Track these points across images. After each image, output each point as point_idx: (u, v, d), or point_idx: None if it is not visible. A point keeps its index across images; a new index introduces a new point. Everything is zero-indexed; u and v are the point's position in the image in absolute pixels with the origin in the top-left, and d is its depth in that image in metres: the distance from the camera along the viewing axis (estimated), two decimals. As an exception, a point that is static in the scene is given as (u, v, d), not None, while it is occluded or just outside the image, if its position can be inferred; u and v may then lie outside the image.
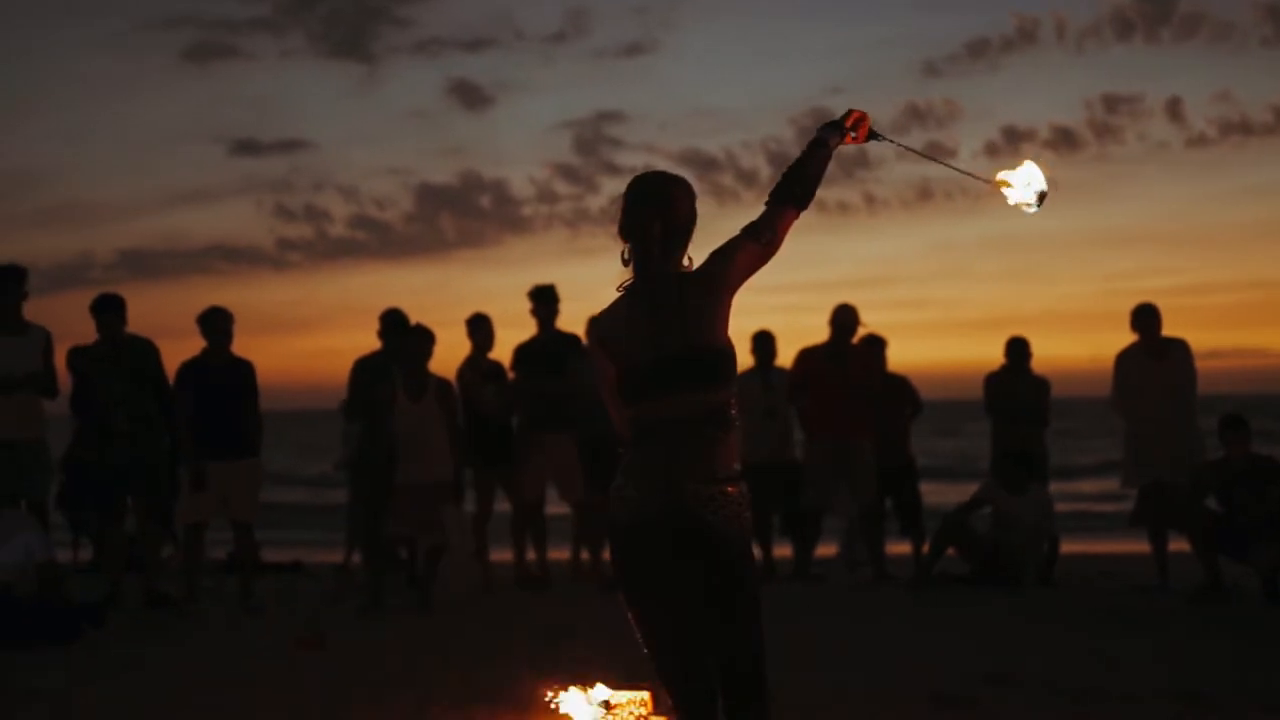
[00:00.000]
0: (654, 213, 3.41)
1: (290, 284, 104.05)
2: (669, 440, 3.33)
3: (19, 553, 7.58)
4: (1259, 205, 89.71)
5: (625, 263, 3.47)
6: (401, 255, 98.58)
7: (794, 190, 3.45)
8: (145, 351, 8.69)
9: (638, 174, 3.53)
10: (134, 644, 7.32)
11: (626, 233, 3.45)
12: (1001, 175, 3.71)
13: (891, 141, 3.65)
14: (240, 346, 8.81)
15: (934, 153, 3.81)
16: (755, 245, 3.41)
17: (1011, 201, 3.68)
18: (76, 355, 8.55)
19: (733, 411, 3.40)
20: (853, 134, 3.57)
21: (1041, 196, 3.68)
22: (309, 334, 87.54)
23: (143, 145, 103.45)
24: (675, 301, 3.35)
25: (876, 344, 10.30)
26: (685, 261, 3.46)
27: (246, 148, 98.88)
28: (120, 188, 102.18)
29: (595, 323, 3.51)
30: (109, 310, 8.56)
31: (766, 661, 3.42)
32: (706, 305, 3.36)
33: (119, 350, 8.56)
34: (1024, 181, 3.70)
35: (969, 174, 3.71)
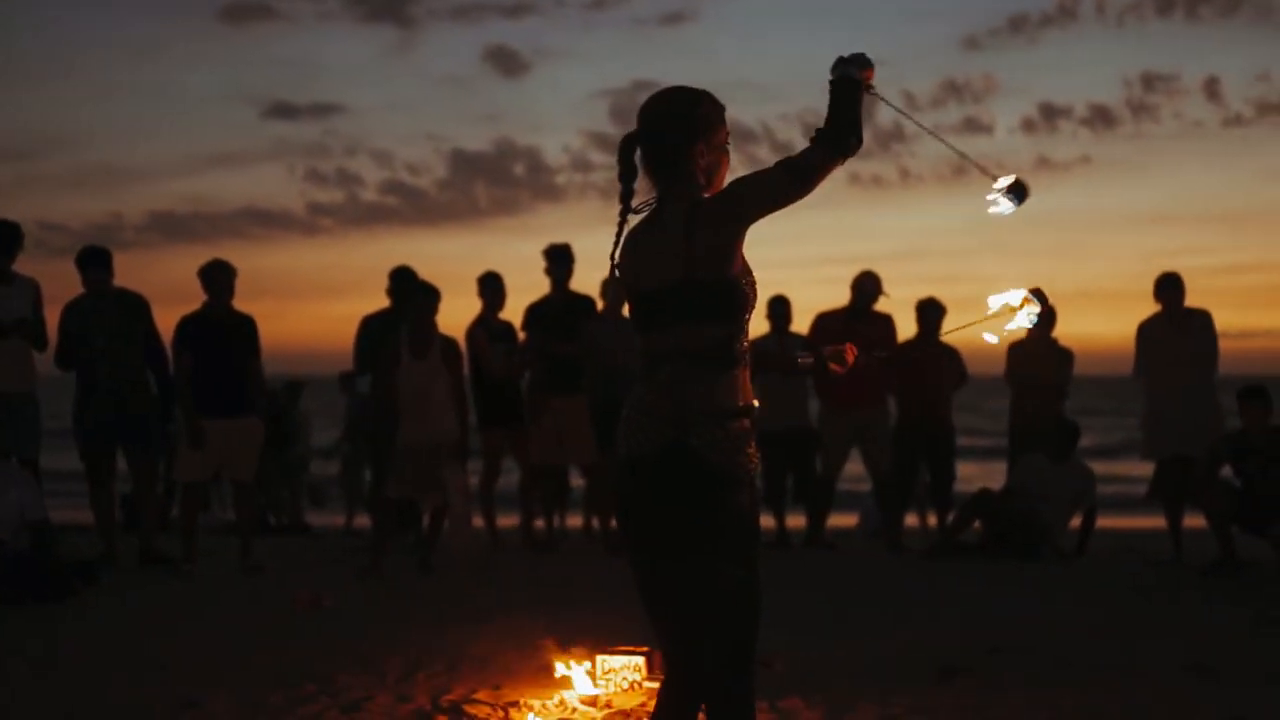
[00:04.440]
0: (665, 171, 3.24)
1: (321, 249, 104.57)
2: (670, 373, 3.17)
3: (11, 509, 7.46)
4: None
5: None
6: (434, 222, 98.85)
7: (845, 136, 3.12)
8: (133, 306, 8.52)
9: (644, 122, 3.27)
10: (126, 603, 7.25)
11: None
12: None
13: (892, 105, 3.36)
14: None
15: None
16: (786, 180, 3.12)
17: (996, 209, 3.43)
18: (64, 310, 8.38)
19: (740, 347, 3.19)
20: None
21: (1013, 190, 3.42)
22: (339, 299, 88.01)
23: (175, 107, 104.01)
24: (682, 230, 3.17)
25: (935, 309, 9.99)
26: (701, 180, 3.23)
27: (280, 111, 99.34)
28: (152, 150, 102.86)
29: (612, 261, 3.30)
30: (94, 264, 8.39)
31: (753, 649, 3.15)
32: (714, 235, 3.15)
33: (103, 304, 8.41)
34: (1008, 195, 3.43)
35: (972, 161, 3.41)
